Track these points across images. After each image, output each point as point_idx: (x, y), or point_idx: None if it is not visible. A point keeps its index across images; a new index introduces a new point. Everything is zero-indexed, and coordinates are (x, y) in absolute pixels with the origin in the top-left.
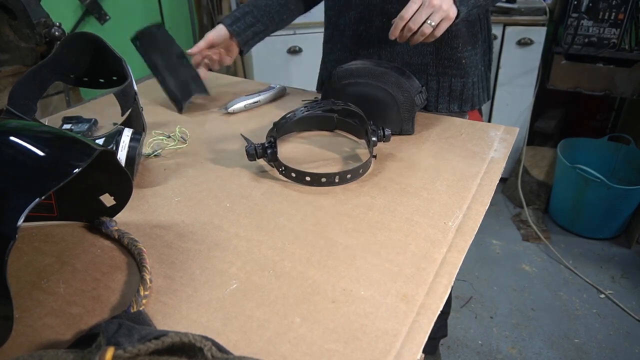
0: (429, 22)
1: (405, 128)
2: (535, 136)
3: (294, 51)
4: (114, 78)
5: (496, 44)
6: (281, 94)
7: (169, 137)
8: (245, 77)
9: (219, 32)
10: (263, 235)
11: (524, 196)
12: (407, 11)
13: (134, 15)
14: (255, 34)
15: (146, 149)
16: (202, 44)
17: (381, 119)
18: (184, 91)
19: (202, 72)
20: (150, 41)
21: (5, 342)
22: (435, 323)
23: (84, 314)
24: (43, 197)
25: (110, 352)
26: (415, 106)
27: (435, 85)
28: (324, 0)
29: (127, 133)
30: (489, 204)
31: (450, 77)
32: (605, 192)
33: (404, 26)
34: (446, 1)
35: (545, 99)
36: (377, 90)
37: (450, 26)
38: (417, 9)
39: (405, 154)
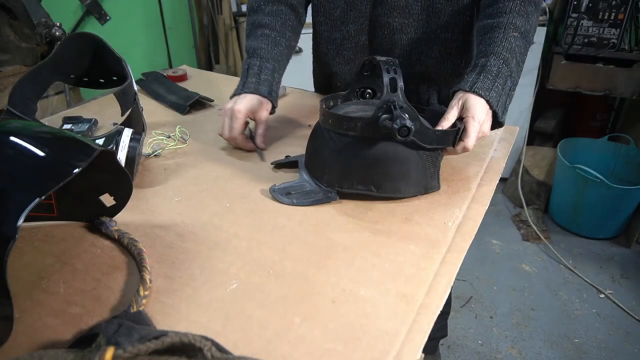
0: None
1: (431, 185)
2: (535, 136)
3: (294, 51)
4: (114, 78)
5: None
6: (281, 94)
7: (169, 137)
8: None
9: (251, 103)
10: (263, 235)
11: (524, 196)
12: (472, 141)
13: (134, 15)
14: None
15: (146, 149)
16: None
17: (399, 181)
18: (185, 100)
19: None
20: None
21: (5, 342)
22: (435, 323)
23: (84, 314)
24: (43, 197)
25: (110, 352)
26: (440, 155)
27: (436, 94)
28: (312, 15)
29: (127, 133)
30: (488, 204)
31: (449, 88)
32: (605, 192)
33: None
34: (489, 122)
35: (545, 99)
36: (389, 146)
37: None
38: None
39: None
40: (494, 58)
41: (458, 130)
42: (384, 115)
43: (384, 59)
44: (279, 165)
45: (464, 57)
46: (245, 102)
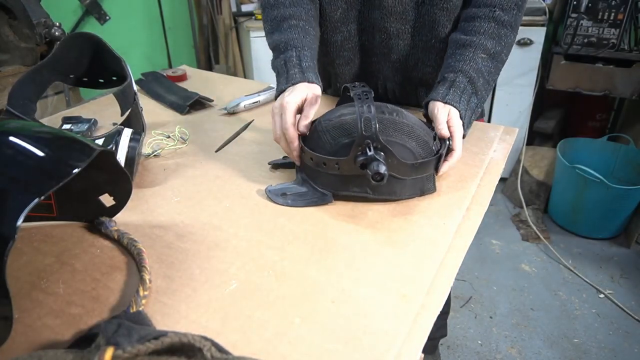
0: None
1: (426, 188)
2: (535, 136)
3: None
4: (114, 78)
5: None
6: None
7: (169, 137)
8: (245, 77)
9: (301, 93)
10: (263, 235)
11: (523, 196)
12: (460, 148)
13: (134, 15)
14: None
15: (146, 149)
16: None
17: (394, 184)
18: (185, 100)
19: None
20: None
21: (5, 342)
22: (435, 323)
23: (83, 314)
24: (42, 198)
25: (109, 352)
26: (434, 157)
27: None
28: None
29: (127, 133)
30: (488, 204)
31: None
32: (604, 192)
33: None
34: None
35: (545, 99)
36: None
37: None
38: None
39: None
40: (461, 75)
41: (440, 157)
42: (360, 158)
43: (358, 90)
44: (276, 166)
45: None
46: (295, 94)
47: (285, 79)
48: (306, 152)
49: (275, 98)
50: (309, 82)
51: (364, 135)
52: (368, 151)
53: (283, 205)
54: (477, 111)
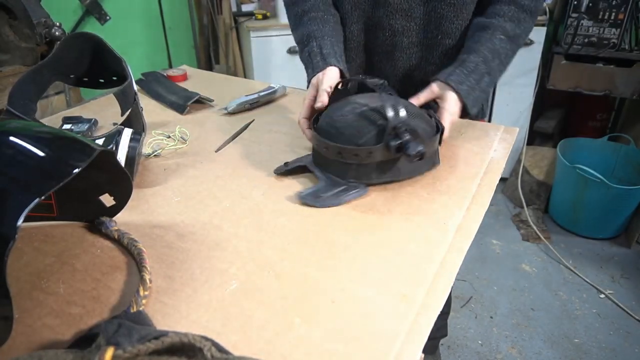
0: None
1: (435, 161)
2: (535, 136)
3: (294, 51)
4: (114, 78)
5: None
6: (281, 94)
7: (169, 137)
8: (245, 77)
9: (330, 76)
10: (263, 236)
11: (524, 196)
12: (446, 131)
13: (134, 15)
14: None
15: (146, 149)
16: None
17: (418, 163)
18: (185, 100)
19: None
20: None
21: (5, 342)
22: (435, 323)
23: (83, 314)
24: (43, 198)
25: (109, 352)
26: (439, 132)
27: None
28: None
29: (127, 133)
30: (488, 204)
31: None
32: (605, 192)
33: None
34: (459, 112)
35: (545, 99)
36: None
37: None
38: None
39: None
40: (474, 55)
41: (442, 131)
42: (395, 143)
43: (375, 81)
44: (283, 173)
45: None
46: (326, 80)
47: (311, 70)
48: (333, 147)
49: (308, 88)
50: (332, 65)
51: (395, 120)
52: (402, 135)
53: (326, 207)
54: (487, 90)
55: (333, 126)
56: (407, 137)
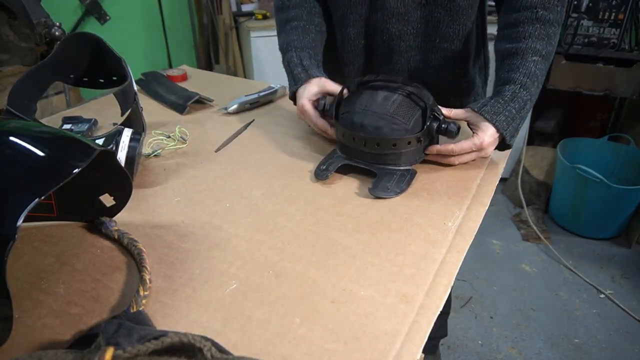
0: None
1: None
2: (535, 136)
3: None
4: (114, 78)
5: None
6: (281, 94)
7: (169, 137)
8: (245, 77)
9: (311, 90)
10: (263, 235)
11: (524, 196)
12: (460, 149)
13: (134, 15)
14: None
15: (146, 149)
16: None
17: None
18: (185, 100)
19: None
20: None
21: (5, 342)
22: (435, 323)
23: (83, 314)
24: (43, 198)
25: (109, 352)
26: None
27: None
28: None
29: (127, 133)
30: (488, 204)
31: (448, 97)
32: (605, 192)
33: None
34: (493, 145)
35: (545, 99)
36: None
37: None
38: (469, 152)
39: None
40: (510, 85)
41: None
42: (435, 124)
43: (386, 76)
44: (325, 176)
45: (463, 67)
46: (306, 93)
47: (292, 80)
48: (388, 140)
49: (290, 98)
50: (313, 77)
51: (430, 104)
52: (437, 116)
53: (395, 197)
54: (525, 116)
55: (378, 119)
56: (441, 117)
